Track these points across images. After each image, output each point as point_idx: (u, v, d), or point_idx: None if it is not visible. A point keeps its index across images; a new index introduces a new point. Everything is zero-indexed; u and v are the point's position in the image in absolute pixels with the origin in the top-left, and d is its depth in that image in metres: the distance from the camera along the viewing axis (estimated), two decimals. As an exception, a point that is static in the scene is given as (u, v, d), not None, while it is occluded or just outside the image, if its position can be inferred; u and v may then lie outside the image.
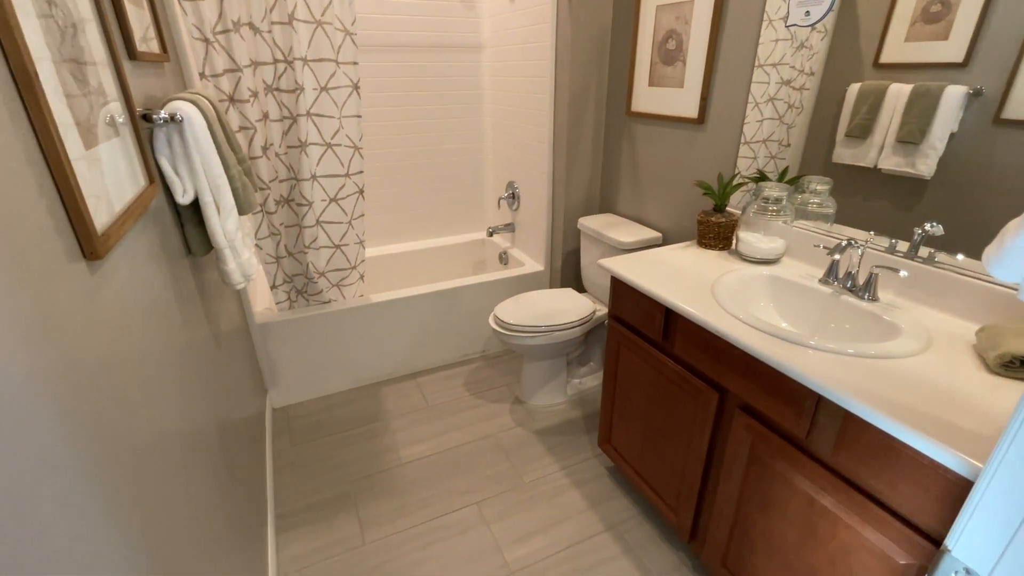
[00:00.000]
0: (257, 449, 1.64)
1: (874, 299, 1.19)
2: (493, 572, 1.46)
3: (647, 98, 1.93)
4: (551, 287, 2.52)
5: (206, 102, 1.14)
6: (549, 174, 2.29)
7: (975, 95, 1.06)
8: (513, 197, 2.66)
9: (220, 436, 1.15)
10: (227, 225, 1.14)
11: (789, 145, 1.45)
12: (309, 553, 1.51)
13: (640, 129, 2.01)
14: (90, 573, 0.49)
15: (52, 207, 0.55)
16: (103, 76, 0.80)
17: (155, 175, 0.96)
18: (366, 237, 2.75)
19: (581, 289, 2.53)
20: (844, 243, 1.19)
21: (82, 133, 0.67)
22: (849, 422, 0.90)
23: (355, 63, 1.82)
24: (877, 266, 1.17)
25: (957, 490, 0.76)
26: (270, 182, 1.86)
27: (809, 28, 1.32)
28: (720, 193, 1.53)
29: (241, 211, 1.21)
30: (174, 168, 1.05)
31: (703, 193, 1.69)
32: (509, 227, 2.78)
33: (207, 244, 1.19)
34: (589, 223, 2.13)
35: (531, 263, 2.56)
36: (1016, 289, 1.03)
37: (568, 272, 2.47)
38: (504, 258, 2.78)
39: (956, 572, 0.53)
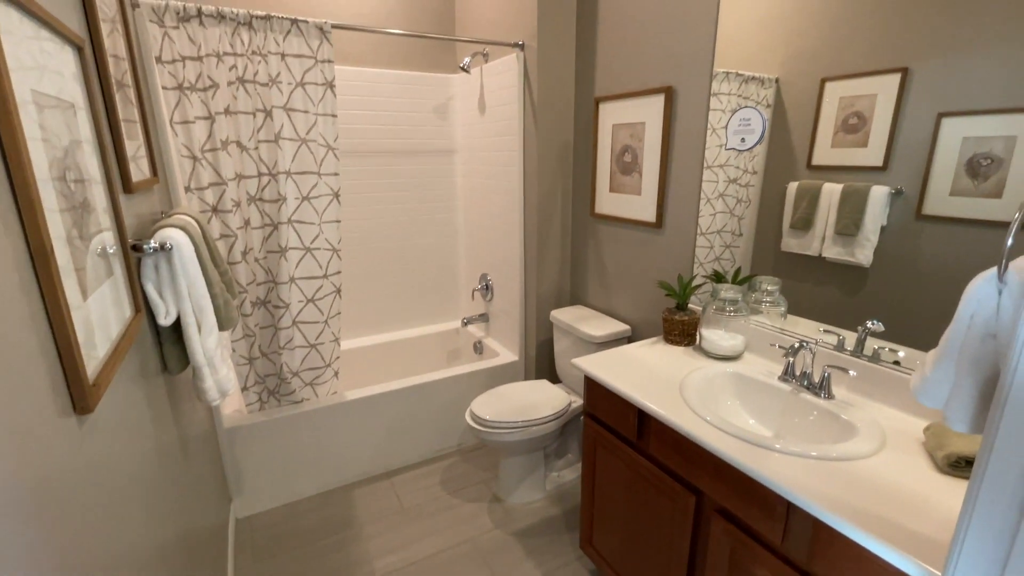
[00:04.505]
0: (218, 568, 1.53)
1: (830, 397, 1.26)
2: None
3: (609, 202, 2.10)
4: (526, 377, 2.55)
5: (195, 226, 1.20)
6: (521, 267, 2.40)
7: (897, 194, 1.21)
8: (487, 288, 2.75)
9: (182, 555, 1.09)
10: (207, 343, 1.15)
11: (741, 235, 1.58)
12: None
13: (604, 229, 2.16)
14: None
15: (50, 365, 0.57)
16: (101, 218, 0.85)
17: (141, 303, 0.99)
18: (341, 332, 2.75)
19: (555, 378, 2.56)
20: (797, 345, 1.29)
21: (80, 281, 0.70)
22: (820, 529, 0.94)
23: (336, 174, 1.93)
24: (829, 366, 1.26)
25: (925, 600, 0.79)
26: (247, 284, 1.89)
27: (747, 151, 1.51)
28: (681, 293, 1.64)
29: (222, 327, 1.23)
30: (159, 292, 1.07)
31: (665, 294, 1.80)
32: (483, 317, 2.84)
33: (184, 361, 1.19)
34: (561, 316, 2.21)
35: (506, 353, 2.60)
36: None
37: (543, 361, 2.51)
38: (479, 347, 2.82)
39: None
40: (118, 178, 1.00)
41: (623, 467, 1.45)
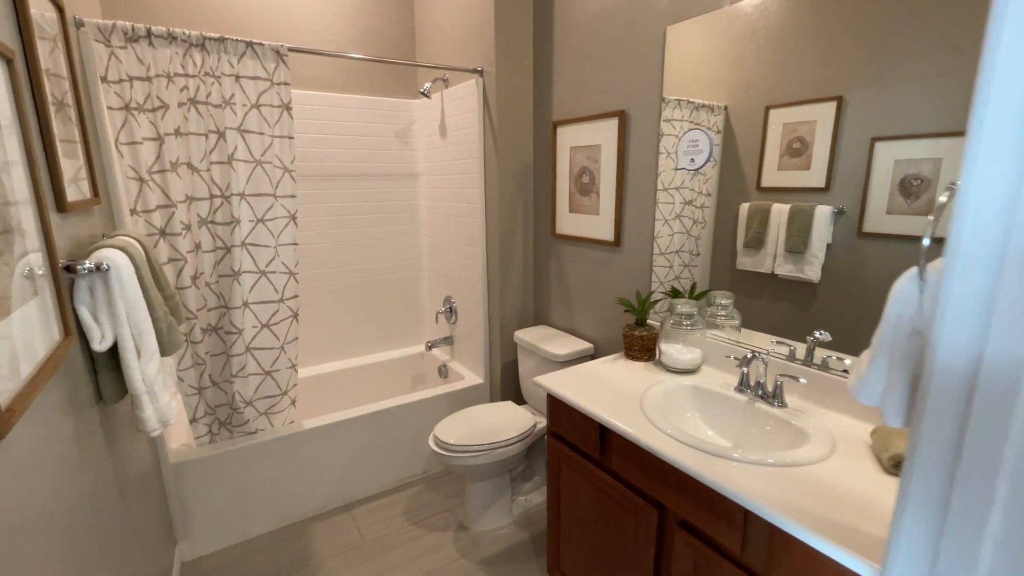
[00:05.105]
0: (159, 620, 1.42)
1: (783, 405, 1.29)
2: None
3: (569, 222, 2.13)
4: (491, 399, 2.52)
5: (136, 246, 1.15)
6: (484, 289, 2.40)
7: (839, 213, 1.27)
8: (451, 311, 2.73)
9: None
10: (147, 369, 1.09)
11: (699, 254, 1.63)
12: None
13: (565, 249, 2.19)
14: None
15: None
16: (28, 239, 0.80)
17: (72, 327, 0.93)
18: (300, 358, 2.66)
19: (521, 400, 2.53)
20: (750, 355, 1.32)
21: (-2, 301, 0.66)
22: (776, 535, 0.94)
23: (293, 196, 1.90)
24: (781, 375, 1.30)
25: (877, 601, 0.80)
26: (197, 310, 1.81)
27: (696, 171, 1.57)
28: (639, 309, 1.67)
29: (164, 352, 1.17)
30: (94, 315, 1.02)
31: (624, 310, 1.83)
32: (447, 340, 2.81)
33: (122, 389, 1.13)
34: (524, 336, 2.21)
35: (471, 376, 2.57)
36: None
37: (508, 382, 2.49)
38: (444, 371, 2.77)
39: None
40: (51, 196, 0.95)
41: (587, 485, 1.43)
